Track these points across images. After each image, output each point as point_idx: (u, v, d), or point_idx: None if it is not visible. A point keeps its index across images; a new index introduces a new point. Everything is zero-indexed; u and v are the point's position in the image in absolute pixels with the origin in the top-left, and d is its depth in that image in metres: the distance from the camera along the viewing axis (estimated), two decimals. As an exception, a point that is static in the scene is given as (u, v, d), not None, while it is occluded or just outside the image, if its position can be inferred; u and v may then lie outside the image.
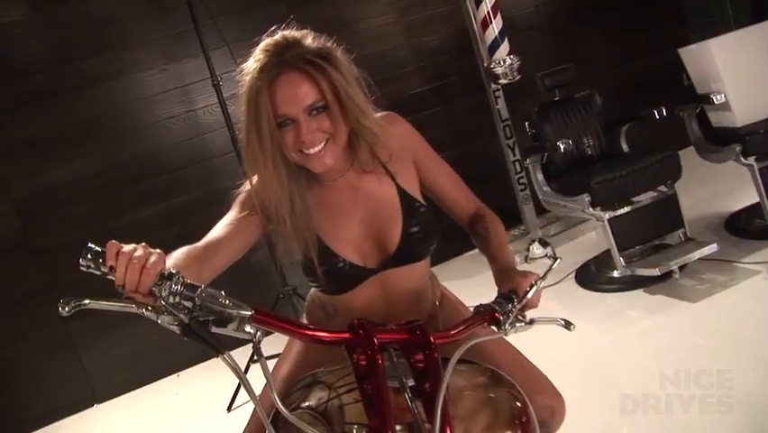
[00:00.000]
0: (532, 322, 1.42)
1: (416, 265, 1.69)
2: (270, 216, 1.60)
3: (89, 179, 4.54)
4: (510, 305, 1.40)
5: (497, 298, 1.43)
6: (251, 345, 1.14)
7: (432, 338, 1.22)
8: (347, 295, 1.66)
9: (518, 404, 1.39)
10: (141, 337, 4.39)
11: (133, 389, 4.70)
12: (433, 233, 1.68)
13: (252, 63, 1.48)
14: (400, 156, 1.67)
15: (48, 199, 4.47)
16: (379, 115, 1.64)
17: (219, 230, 1.55)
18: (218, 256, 1.49)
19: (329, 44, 1.52)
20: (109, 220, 4.43)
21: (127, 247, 1.12)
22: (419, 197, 1.69)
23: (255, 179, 1.59)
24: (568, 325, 1.48)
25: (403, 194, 1.65)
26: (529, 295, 1.41)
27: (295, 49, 1.46)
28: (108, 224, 4.42)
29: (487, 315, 1.38)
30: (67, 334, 4.52)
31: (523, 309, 1.42)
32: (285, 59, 1.45)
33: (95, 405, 4.64)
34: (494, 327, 1.39)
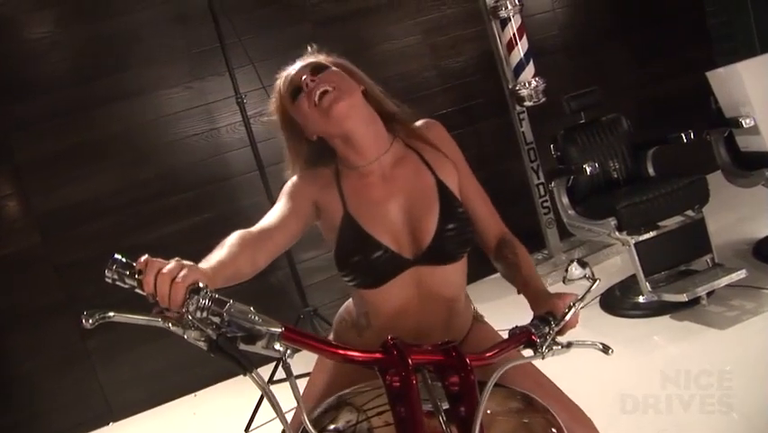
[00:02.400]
0: (569, 345, 1.38)
1: (450, 269, 1.65)
2: (315, 205, 1.67)
3: (111, 196, 4.55)
4: (547, 327, 1.36)
5: (533, 320, 1.40)
6: (276, 363, 1.10)
7: (468, 360, 1.17)
8: (381, 293, 1.62)
9: (554, 430, 1.34)
10: (158, 356, 4.37)
11: (150, 407, 4.67)
12: (467, 236, 1.66)
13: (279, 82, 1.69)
14: (439, 154, 1.70)
15: (69, 215, 4.48)
16: (420, 121, 1.73)
17: (272, 217, 1.59)
18: (272, 241, 1.53)
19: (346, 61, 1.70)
20: (130, 237, 4.43)
21: (159, 260, 1.11)
22: (459, 196, 1.68)
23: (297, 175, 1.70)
24: (606, 349, 1.45)
25: (441, 185, 1.65)
26: (568, 316, 1.38)
27: (311, 55, 1.69)
28: (129, 240, 4.41)
29: (523, 337, 1.34)
30: (84, 350, 4.51)
31: (560, 332, 1.39)
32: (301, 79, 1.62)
33: (110, 423, 4.62)
34: (530, 350, 1.35)
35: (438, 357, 1.18)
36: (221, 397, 4.47)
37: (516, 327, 1.38)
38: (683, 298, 3.68)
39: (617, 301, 4.20)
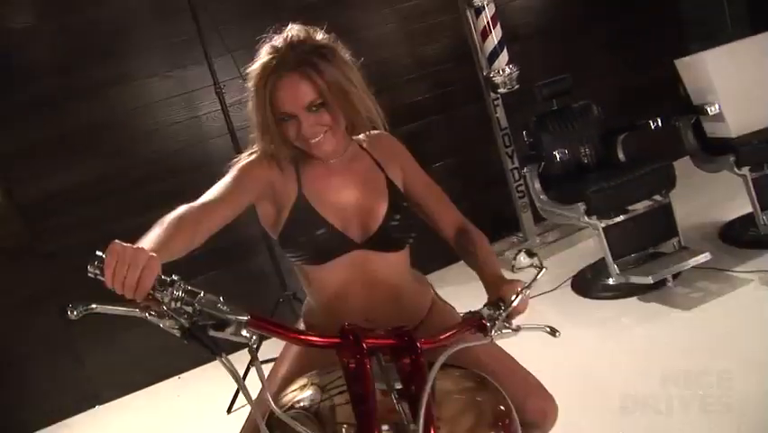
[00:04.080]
0: (518, 329, 1.47)
1: (393, 256, 1.77)
2: (271, 186, 1.73)
3: (95, 184, 4.60)
4: (497, 312, 1.46)
5: (484, 305, 1.49)
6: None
7: (418, 343, 1.29)
8: (324, 271, 1.73)
9: (502, 408, 1.45)
10: (142, 340, 4.42)
11: (135, 390, 4.76)
12: (412, 227, 1.78)
13: (258, 65, 1.64)
14: (389, 157, 1.84)
15: (53, 204, 4.53)
16: (374, 132, 1.83)
17: (219, 192, 1.65)
18: (213, 220, 1.58)
19: (330, 41, 1.68)
20: (114, 224, 4.43)
21: (119, 249, 1.16)
22: (404, 194, 1.82)
23: (254, 151, 1.75)
24: (553, 331, 1.54)
25: (390, 183, 1.79)
26: (515, 303, 1.46)
27: (297, 48, 1.62)
28: (114, 227, 4.32)
29: (473, 322, 1.44)
30: (70, 336, 4.57)
31: (509, 316, 1.48)
32: (286, 61, 1.60)
33: (96, 406, 4.70)
34: (481, 334, 1.46)
35: (391, 341, 1.29)
36: (204, 379, 4.56)
37: (469, 311, 1.48)
38: (649, 280, 3.81)
39: (588, 283, 4.33)
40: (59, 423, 4.59)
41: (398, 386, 1.30)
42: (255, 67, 1.65)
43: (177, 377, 4.80)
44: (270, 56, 1.62)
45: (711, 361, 3.07)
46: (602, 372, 3.32)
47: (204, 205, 1.59)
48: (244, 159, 1.75)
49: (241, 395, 3.83)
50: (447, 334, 1.38)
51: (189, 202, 1.58)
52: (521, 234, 5.34)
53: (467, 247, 1.78)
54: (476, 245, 1.77)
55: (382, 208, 1.73)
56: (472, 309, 1.49)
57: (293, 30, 1.66)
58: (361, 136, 1.84)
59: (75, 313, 1.12)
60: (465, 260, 1.79)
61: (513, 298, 1.47)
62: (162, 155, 4.76)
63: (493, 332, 1.44)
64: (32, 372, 4.57)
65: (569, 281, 4.43)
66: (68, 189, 4.55)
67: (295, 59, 1.60)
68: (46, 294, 4.44)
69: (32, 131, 4.47)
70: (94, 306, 1.13)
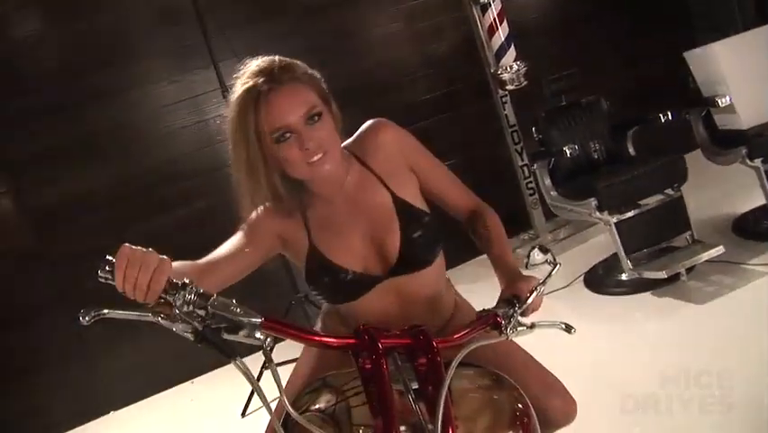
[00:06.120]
0: (533, 326, 1.46)
1: (427, 271, 1.72)
2: (281, 238, 1.69)
3: (103, 189, 4.62)
4: (512, 309, 1.44)
5: (498, 302, 1.48)
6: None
7: (434, 342, 1.27)
8: (360, 305, 1.70)
9: (520, 406, 1.44)
10: (155, 345, 4.43)
11: (149, 395, 4.77)
12: (436, 238, 1.73)
13: (241, 90, 1.52)
14: (393, 163, 1.72)
15: (63, 210, 4.55)
16: (368, 123, 1.74)
17: (225, 249, 1.62)
18: (216, 274, 1.55)
19: (316, 73, 1.62)
20: (124, 229, 4.48)
21: (130, 252, 1.17)
22: (420, 203, 1.74)
23: (263, 206, 1.67)
24: (569, 328, 1.52)
25: (398, 202, 1.69)
26: (530, 300, 1.45)
27: (285, 67, 1.54)
28: (123, 233, 4.38)
29: (489, 319, 1.42)
30: (82, 341, 4.57)
31: (524, 314, 1.46)
32: (276, 77, 1.52)
33: (110, 412, 4.71)
34: (496, 331, 1.44)
35: (407, 341, 1.28)
36: (218, 383, 4.56)
37: (484, 309, 1.47)
38: (663, 274, 3.78)
39: (601, 279, 4.30)
40: (74, 430, 4.60)
41: (415, 386, 1.29)
42: (238, 92, 1.53)
43: (190, 382, 4.81)
44: (257, 77, 1.52)
45: (727, 355, 3.04)
46: (616, 368, 3.29)
47: (207, 264, 1.57)
48: (253, 215, 1.69)
49: (255, 397, 3.86)
50: (462, 333, 1.36)
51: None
52: (532, 232, 5.33)
53: (481, 232, 1.75)
54: (490, 231, 1.74)
55: (395, 237, 1.67)
56: (487, 307, 1.48)
57: (274, 57, 1.59)
58: (358, 140, 1.75)
59: (86, 318, 1.12)
60: (479, 244, 1.76)
61: (528, 295, 1.45)
62: (170, 159, 4.77)
63: (508, 330, 1.42)
64: (46, 379, 4.59)
65: (581, 278, 4.40)
66: (78, 195, 4.57)
67: (285, 74, 1.53)
68: (57, 300, 4.46)
69: (41, 137, 4.49)
70: (105, 311, 1.12)
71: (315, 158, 1.53)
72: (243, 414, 3.93)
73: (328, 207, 1.69)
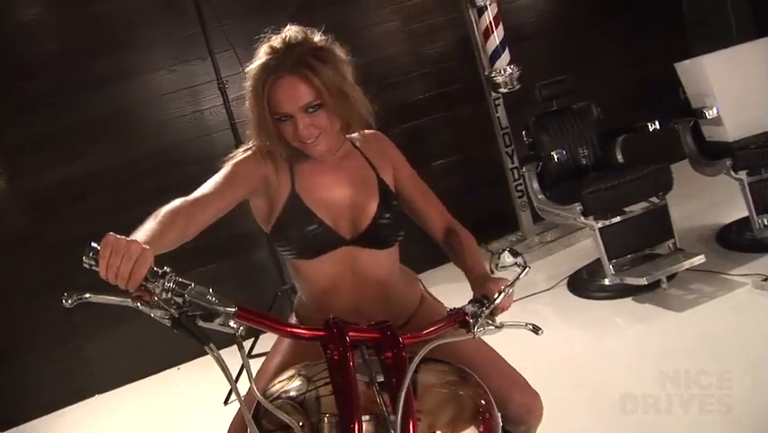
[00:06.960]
0: (501, 326, 1.52)
1: (384, 253, 1.81)
2: (265, 181, 1.77)
3: (99, 175, 4.65)
4: (481, 309, 1.50)
5: (469, 302, 1.54)
6: (254, 339, 1.25)
7: (401, 338, 1.33)
8: (314, 266, 1.78)
9: (483, 402, 1.49)
10: (142, 330, 4.44)
11: (134, 380, 4.81)
12: (401, 225, 1.82)
13: (256, 66, 1.68)
14: (382, 160, 1.87)
15: (58, 195, 4.59)
16: (368, 132, 1.87)
17: (209, 187, 1.68)
18: (206, 212, 1.61)
19: (328, 42, 1.71)
20: (118, 215, 4.41)
21: (114, 241, 1.21)
22: (395, 193, 1.86)
23: (250, 147, 1.78)
24: (536, 329, 1.58)
25: (381, 182, 1.82)
26: (498, 300, 1.51)
27: (295, 50, 1.65)
28: (117, 219, 4.37)
29: (457, 318, 1.48)
30: (71, 325, 4.61)
31: (493, 313, 1.52)
32: (285, 62, 1.64)
33: (95, 395, 4.75)
34: (464, 330, 1.50)
35: (374, 335, 1.34)
36: (203, 371, 4.54)
37: (454, 308, 1.53)
38: (643, 281, 3.85)
39: (584, 283, 4.36)
40: (59, 411, 4.64)
41: (380, 379, 1.34)
42: (253, 67, 1.69)
43: (176, 368, 4.84)
44: (269, 56, 1.66)
45: (704, 361, 3.10)
46: (596, 371, 3.35)
47: (197, 199, 1.62)
48: (239, 154, 1.79)
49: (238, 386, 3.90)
50: (430, 329, 1.43)
51: (188, 195, 1.62)
52: (520, 233, 5.37)
53: (454, 246, 1.84)
54: (463, 245, 1.82)
55: (373, 206, 1.77)
56: (457, 306, 1.53)
57: (291, 31, 1.70)
58: (355, 135, 1.87)
59: (69, 301, 1.18)
60: (452, 258, 1.85)
61: (496, 295, 1.51)
62: (166, 148, 4.81)
63: (476, 328, 1.48)
64: (33, 361, 4.63)
65: (565, 281, 4.46)
66: (74, 180, 4.61)
67: (293, 60, 1.63)
68: (48, 284, 4.47)
69: (38, 123, 4.52)
70: (87, 295, 1.18)
71: (309, 141, 1.68)
72: (226, 402, 3.98)
73: (318, 165, 1.79)
